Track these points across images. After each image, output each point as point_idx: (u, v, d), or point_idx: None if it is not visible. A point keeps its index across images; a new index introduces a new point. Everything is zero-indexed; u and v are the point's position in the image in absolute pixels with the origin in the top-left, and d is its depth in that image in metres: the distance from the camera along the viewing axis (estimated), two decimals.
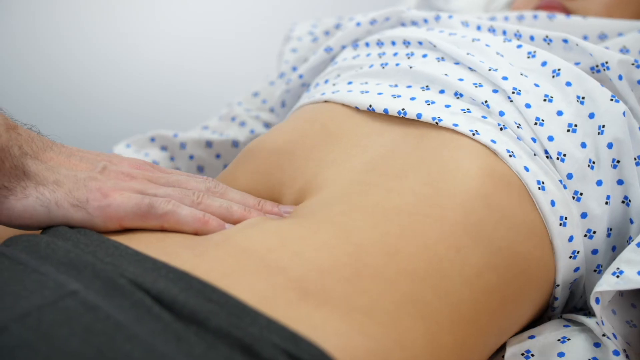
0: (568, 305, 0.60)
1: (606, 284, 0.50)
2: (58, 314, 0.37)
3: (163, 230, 0.49)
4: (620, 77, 0.57)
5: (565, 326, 0.55)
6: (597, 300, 0.51)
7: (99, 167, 0.51)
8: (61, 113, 1.16)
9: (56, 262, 0.42)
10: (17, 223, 0.48)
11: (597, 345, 0.52)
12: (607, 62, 0.58)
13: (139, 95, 1.26)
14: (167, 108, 1.26)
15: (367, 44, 0.68)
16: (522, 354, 0.52)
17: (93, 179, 0.49)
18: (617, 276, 0.51)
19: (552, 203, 0.52)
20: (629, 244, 0.55)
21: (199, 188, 0.54)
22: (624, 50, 0.64)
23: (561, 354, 0.52)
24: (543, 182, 0.53)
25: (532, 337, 0.54)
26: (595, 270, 0.56)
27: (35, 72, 1.19)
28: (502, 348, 0.54)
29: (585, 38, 0.69)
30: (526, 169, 0.52)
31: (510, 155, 0.52)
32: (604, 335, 0.52)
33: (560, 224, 0.53)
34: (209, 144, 0.83)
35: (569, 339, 0.53)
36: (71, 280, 0.40)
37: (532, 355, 0.52)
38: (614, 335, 0.51)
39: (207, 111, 1.00)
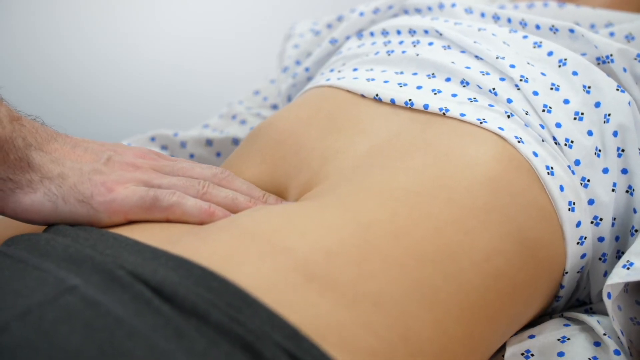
0: (572, 297, 0.60)
1: (617, 276, 0.50)
2: (58, 311, 0.37)
3: (169, 221, 0.49)
4: (624, 70, 0.57)
5: (566, 325, 0.55)
6: (609, 295, 0.51)
7: (103, 159, 0.50)
8: (61, 113, 1.16)
9: (56, 258, 0.42)
10: (23, 217, 0.48)
11: (597, 344, 0.52)
12: (611, 55, 0.58)
13: (139, 95, 1.26)
14: (167, 108, 1.25)
15: (372, 34, 0.69)
16: (522, 354, 0.52)
17: (97, 172, 0.49)
18: (628, 268, 0.51)
19: (561, 188, 0.52)
20: (632, 234, 0.56)
21: (205, 175, 0.53)
22: (629, 37, 0.65)
23: (561, 354, 0.52)
24: (552, 167, 0.53)
25: (532, 336, 0.54)
26: (600, 259, 0.56)
27: (35, 72, 1.19)
28: (502, 348, 0.54)
29: (592, 26, 0.69)
30: (535, 154, 0.52)
31: (518, 141, 0.52)
32: (605, 334, 0.52)
33: (569, 209, 0.52)
34: (209, 142, 0.83)
35: (568, 339, 0.53)
36: (71, 275, 0.40)
37: (532, 355, 0.52)
38: (622, 332, 0.51)
39: (207, 111, 0.99)
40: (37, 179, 0.47)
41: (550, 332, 0.54)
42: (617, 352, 0.50)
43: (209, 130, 0.85)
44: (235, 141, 0.83)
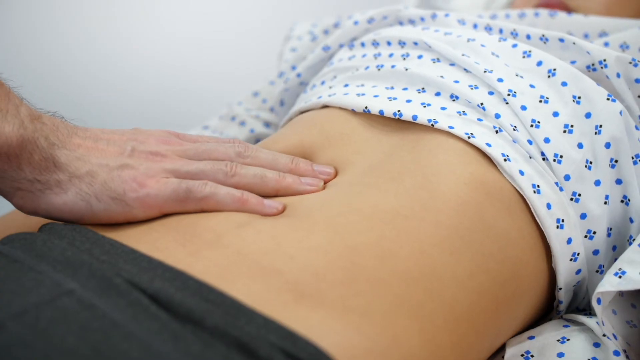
0: (570, 306, 0.60)
1: (608, 284, 0.50)
2: (55, 312, 0.37)
3: (203, 211, 0.49)
4: (618, 75, 0.57)
5: (565, 326, 0.55)
6: (599, 301, 0.51)
7: (127, 150, 0.50)
8: (61, 113, 1.16)
9: (52, 260, 0.42)
10: (57, 217, 0.49)
11: (596, 345, 0.52)
12: (605, 60, 0.57)
13: (139, 95, 1.26)
14: (167, 108, 1.25)
15: (362, 44, 0.68)
16: (522, 355, 0.52)
17: (125, 166, 0.49)
18: (620, 276, 0.51)
19: (548, 206, 0.52)
20: (630, 243, 0.55)
21: (229, 155, 0.53)
22: (624, 46, 0.64)
23: (561, 354, 0.52)
24: (538, 186, 0.52)
25: (531, 337, 0.54)
26: (597, 271, 0.56)
27: (36, 72, 1.19)
28: (501, 349, 0.54)
29: (586, 36, 0.69)
30: (521, 172, 0.52)
31: (505, 159, 0.52)
32: (604, 335, 0.52)
33: (557, 227, 0.52)
34: None
35: (568, 339, 0.53)
36: (68, 279, 0.40)
37: (532, 356, 0.52)
38: (614, 336, 0.51)
39: (207, 111, 0.99)
40: (66, 179, 0.47)
41: (549, 333, 0.54)
42: (616, 353, 0.50)
43: (209, 131, 0.85)
44: None
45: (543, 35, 0.62)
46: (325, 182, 0.54)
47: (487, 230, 0.50)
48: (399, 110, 0.56)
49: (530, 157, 0.54)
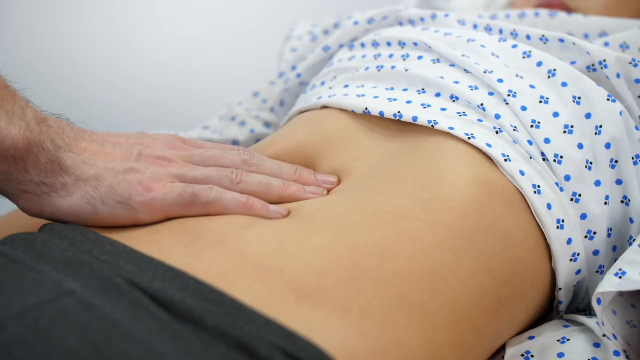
0: (570, 306, 0.60)
1: (608, 284, 0.50)
2: (55, 312, 0.37)
3: (208, 215, 0.50)
4: (618, 75, 0.57)
5: (565, 326, 0.55)
6: (599, 301, 0.51)
7: (134, 154, 0.50)
8: (61, 113, 1.16)
9: (52, 260, 0.42)
10: (62, 219, 0.49)
11: (596, 345, 0.52)
12: (604, 60, 0.57)
13: (139, 95, 1.26)
14: (167, 108, 1.26)
15: (362, 45, 0.68)
16: (522, 355, 0.52)
17: (131, 170, 0.49)
18: (620, 277, 0.51)
19: (549, 206, 0.52)
20: (630, 243, 0.55)
21: (235, 162, 0.54)
22: (624, 46, 0.64)
23: (561, 354, 0.52)
24: (539, 186, 0.53)
25: (531, 337, 0.54)
26: (597, 271, 0.56)
27: (36, 72, 1.19)
28: (501, 349, 0.54)
29: (586, 36, 0.69)
30: (521, 172, 0.52)
31: (505, 159, 0.52)
32: (604, 335, 0.52)
33: (557, 227, 0.53)
34: None
35: (568, 340, 0.53)
36: (68, 279, 0.40)
37: (532, 356, 0.52)
38: (614, 336, 0.51)
39: (207, 111, 1.00)
40: (72, 182, 0.48)
41: (549, 333, 0.54)
42: (616, 353, 0.50)
43: (209, 132, 0.85)
44: (235, 143, 0.83)
45: (543, 36, 0.61)
46: (329, 191, 0.54)
47: (489, 230, 0.50)
48: (399, 112, 0.56)
49: (531, 158, 0.54)
